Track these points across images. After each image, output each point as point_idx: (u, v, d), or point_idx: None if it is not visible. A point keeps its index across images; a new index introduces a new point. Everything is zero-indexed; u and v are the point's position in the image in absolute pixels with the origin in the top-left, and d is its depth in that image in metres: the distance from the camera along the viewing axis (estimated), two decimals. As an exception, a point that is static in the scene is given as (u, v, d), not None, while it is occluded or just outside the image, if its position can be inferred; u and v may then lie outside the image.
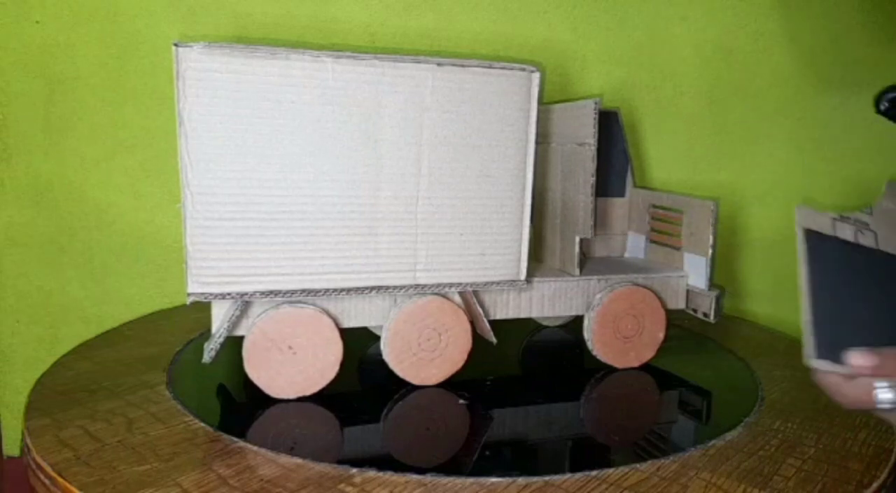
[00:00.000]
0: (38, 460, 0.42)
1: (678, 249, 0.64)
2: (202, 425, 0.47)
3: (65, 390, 0.52)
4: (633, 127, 0.85)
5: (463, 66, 0.51)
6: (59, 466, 0.41)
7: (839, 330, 0.43)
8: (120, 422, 0.47)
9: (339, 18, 0.76)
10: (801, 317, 0.42)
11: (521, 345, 0.68)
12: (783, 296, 0.90)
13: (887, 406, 0.40)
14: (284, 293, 0.50)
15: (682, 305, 0.63)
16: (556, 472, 0.43)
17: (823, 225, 0.45)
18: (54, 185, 0.74)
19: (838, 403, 0.42)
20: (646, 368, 0.61)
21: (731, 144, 0.88)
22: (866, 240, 0.46)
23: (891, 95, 0.56)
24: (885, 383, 0.40)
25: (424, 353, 0.55)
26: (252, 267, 0.49)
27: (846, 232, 0.45)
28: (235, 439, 0.45)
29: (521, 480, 0.41)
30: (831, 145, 0.90)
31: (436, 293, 0.54)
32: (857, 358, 0.40)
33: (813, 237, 0.44)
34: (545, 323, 0.72)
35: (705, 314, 0.62)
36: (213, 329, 0.51)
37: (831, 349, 0.42)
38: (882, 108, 0.57)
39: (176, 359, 0.59)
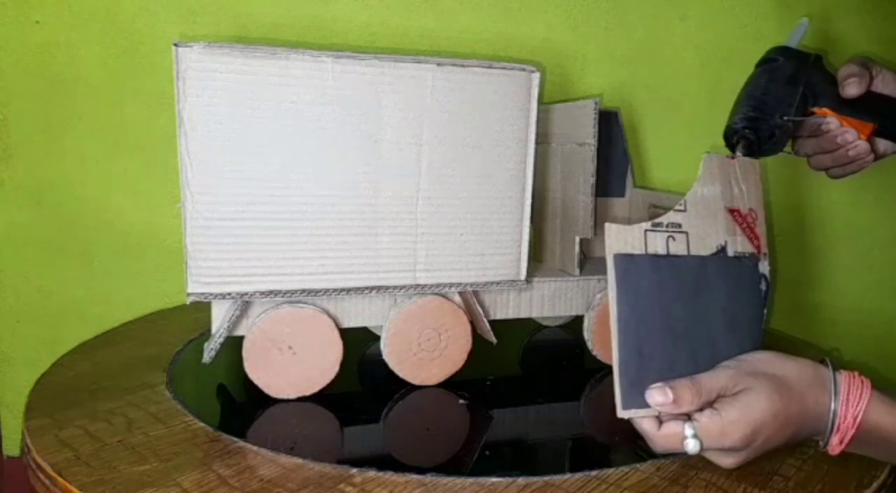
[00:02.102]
0: (38, 460, 0.42)
1: (678, 249, 0.64)
2: (202, 425, 0.47)
3: (65, 390, 0.52)
4: (633, 127, 0.85)
5: (463, 66, 0.51)
6: (59, 466, 0.41)
7: (645, 366, 0.43)
8: (120, 422, 0.47)
9: (339, 18, 0.76)
10: (613, 362, 0.42)
11: (521, 345, 0.68)
12: (783, 296, 0.90)
13: (694, 452, 0.41)
14: (284, 293, 0.50)
15: (682, 305, 0.63)
16: (556, 472, 0.43)
17: (634, 242, 0.44)
18: (54, 185, 0.74)
19: (652, 448, 0.43)
20: (646, 368, 0.61)
21: (731, 144, 0.88)
22: (677, 247, 0.46)
23: (742, 132, 0.57)
24: (690, 432, 0.40)
25: (424, 353, 0.55)
26: (252, 267, 0.49)
27: (657, 243, 0.45)
28: (235, 439, 0.45)
29: (521, 480, 0.41)
30: (831, 145, 0.90)
31: (436, 293, 0.54)
32: (656, 396, 0.42)
33: (623, 263, 0.44)
34: (545, 323, 0.72)
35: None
36: (213, 329, 0.51)
37: (638, 392, 0.42)
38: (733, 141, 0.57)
39: (176, 359, 0.59)
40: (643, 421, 0.42)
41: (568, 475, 0.42)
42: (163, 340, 0.64)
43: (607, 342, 0.60)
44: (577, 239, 0.60)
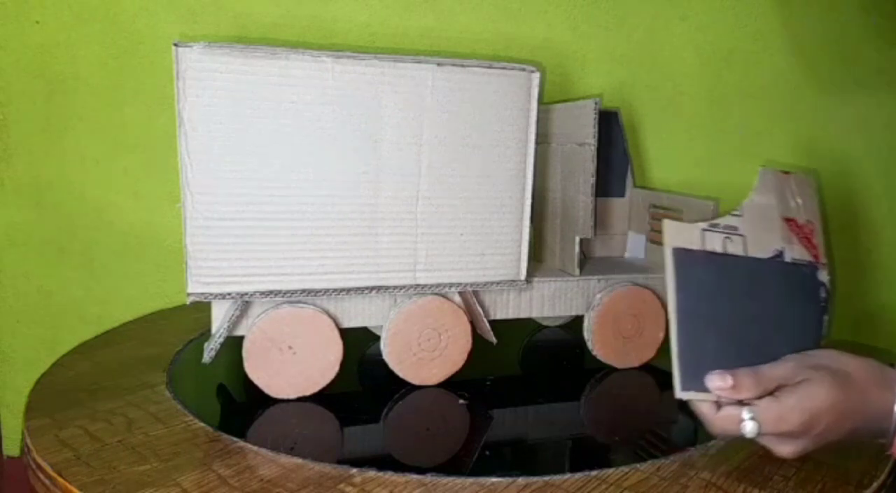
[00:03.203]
0: (38, 460, 0.42)
1: (678, 249, 0.64)
2: (202, 425, 0.47)
3: (65, 390, 0.52)
4: (633, 127, 0.85)
5: (463, 66, 0.51)
6: (59, 466, 0.41)
7: (704, 354, 0.43)
8: (120, 422, 0.47)
9: (339, 18, 0.76)
10: (671, 347, 0.43)
11: (521, 345, 0.68)
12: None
13: (752, 435, 0.41)
14: (284, 293, 0.50)
15: (682, 305, 0.63)
16: (556, 472, 0.43)
17: (692, 239, 0.45)
18: (54, 185, 0.74)
19: (709, 431, 0.43)
20: (646, 368, 0.61)
21: (731, 144, 0.88)
22: (734, 247, 0.46)
23: None
24: (748, 415, 0.41)
25: (424, 353, 0.55)
26: (252, 267, 0.49)
27: (715, 242, 0.46)
28: (235, 439, 0.45)
29: (521, 480, 0.41)
30: (831, 145, 0.90)
31: (436, 293, 0.54)
32: (716, 380, 0.42)
33: (681, 256, 0.45)
34: (545, 323, 0.72)
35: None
36: (213, 329, 0.51)
37: (697, 377, 0.43)
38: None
39: (176, 359, 0.59)
40: (702, 404, 0.43)
41: (568, 475, 0.42)
42: (163, 340, 0.64)
43: (607, 342, 0.61)
44: (577, 239, 0.60)
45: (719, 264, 0.45)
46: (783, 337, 0.46)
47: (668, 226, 0.45)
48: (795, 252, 0.48)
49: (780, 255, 0.47)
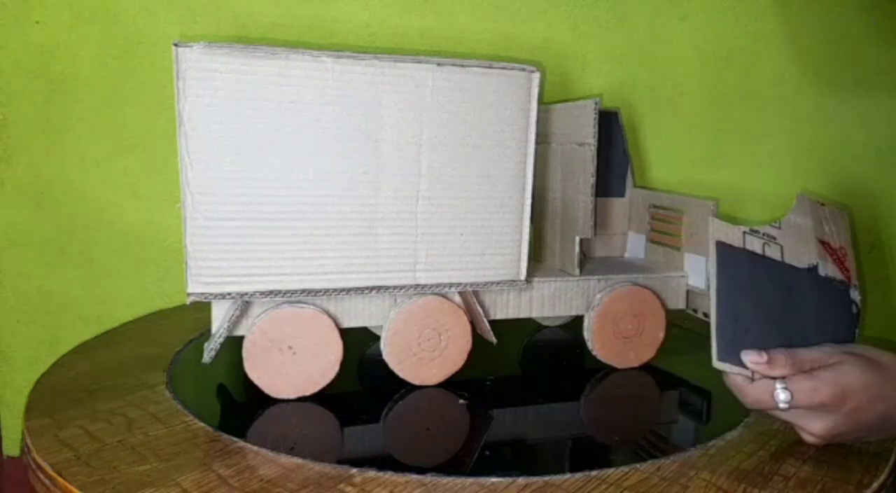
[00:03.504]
0: (38, 460, 0.42)
1: (678, 249, 0.64)
2: (202, 425, 0.47)
3: (65, 390, 0.52)
4: (633, 127, 0.85)
5: (463, 66, 0.51)
6: (59, 466, 0.41)
7: (742, 334, 0.46)
8: (120, 422, 0.47)
9: (339, 18, 0.76)
10: (710, 322, 0.46)
11: (521, 345, 0.68)
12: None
13: (784, 405, 0.43)
14: (284, 293, 0.50)
15: (682, 305, 0.63)
16: (556, 472, 0.43)
17: (734, 238, 0.48)
18: (54, 185, 0.74)
19: (742, 402, 0.45)
20: (646, 368, 0.61)
21: (731, 144, 0.88)
22: (773, 252, 0.49)
23: None
24: (781, 385, 0.43)
25: (424, 353, 0.55)
26: (252, 267, 0.49)
27: (755, 245, 0.48)
28: (235, 439, 0.45)
29: (521, 480, 0.41)
30: (831, 145, 0.90)
31: (436, 293, 0.54)
32: (751, 355, 0.44)
33: (724, 249, 0.48)
34: (545, 323, 0.72)
35: (705, 314, 0.62)
36: (213, 329, 0.51)
37: (733, 352, 0.45)
38: None
39: (176, 359, 0.59)
40: (736, 377, 0.45)
41: (568, 475, 0.42)
42: (163, 340, 0.64)
43: (607, 342, 0.61)
44: (577, 239, 0.60)
45: (759, 263, 0.48)
46: (822, 336, 0.48)
47: (713, 223, 0.48)
48: (829, 270, 0.50)
49: (814, 268, 0.50)
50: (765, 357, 0.43)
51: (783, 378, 0.43)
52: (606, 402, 0.56)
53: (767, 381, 0.43)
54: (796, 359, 0.44)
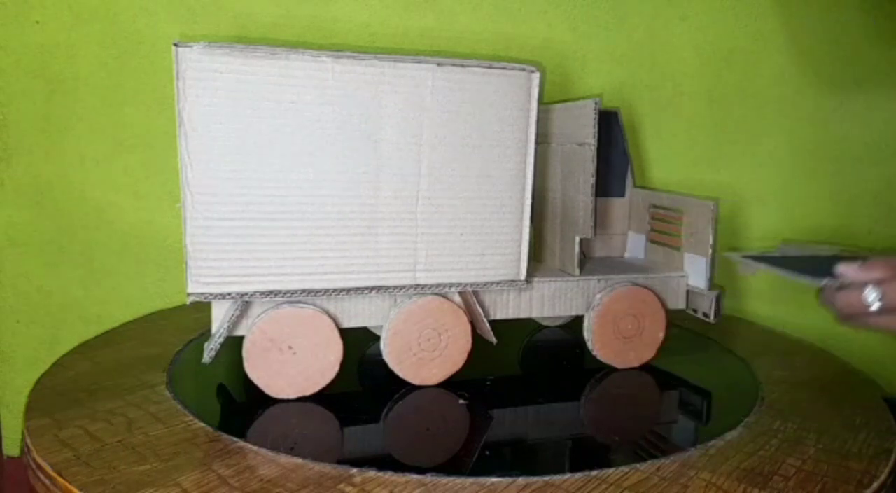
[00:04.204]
0: (38, 460, 0.42)
1: (678, 249, 0.64)
2: (202, 425, 0.47)
3: (65, 390, 0.52)
4: (633, 127, 0.85)
5: (463, 66, 0.51)
6: (59, 466, 0.41)
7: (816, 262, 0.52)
8: (120, 422, 0.47)
9: (339, 18, 0.76)
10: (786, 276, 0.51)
11: (521, 345, 0.68)
12: (783, 296, 0.90)
13: (876, 305, 0.44)
14: (284, 293, 0.50)
15: (682, 305, 0.63)
16: (556, 472, 0.43)
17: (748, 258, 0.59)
18: (54, 185, 0.74)
19: (834, 313, 0.47)
20: (646, 368, 0.61)
21: (731, 144, 0.88)
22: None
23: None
24: (871, 284, 0.44)
25: (424, 353, 0.55)
26: (252, 267, 0.49)
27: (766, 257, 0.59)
28: (235, 439, 0.45)
29: (521, 480, 0.41)
30: (831, 145, 0.90)
31: (436, 293, 0.54)
32: (846, 268, 0.46)
33: (750, 257, 0.59)
34: (545, 323, 0.72)
35: (705, 314, 0.62)
36: (213, 329, 0.51)
37: (823, 271, 0.49)
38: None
39: (176, 359, 0.59)
40: (828, 290, 0.47)
41: (568, 475, 0.42)
42: (163, 340, 0.64)
43: (607, 342, 0.61)
44: (577, 239, 0.60)
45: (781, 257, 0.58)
46: None
47: (729, 256, 0.62)
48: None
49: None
50: (860, 264, 0.44)
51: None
52: (606, 402, 0.56)
53: (857, 285, 0.44)
54: (891, 261, 0.44)
